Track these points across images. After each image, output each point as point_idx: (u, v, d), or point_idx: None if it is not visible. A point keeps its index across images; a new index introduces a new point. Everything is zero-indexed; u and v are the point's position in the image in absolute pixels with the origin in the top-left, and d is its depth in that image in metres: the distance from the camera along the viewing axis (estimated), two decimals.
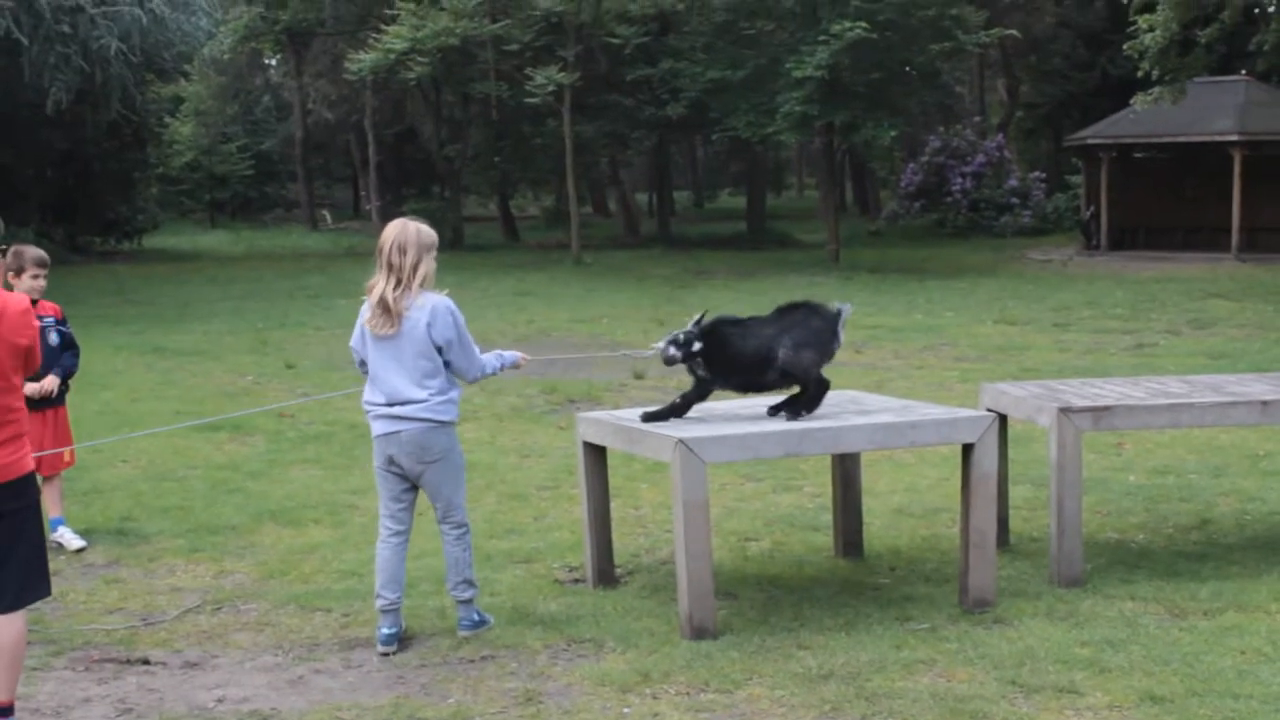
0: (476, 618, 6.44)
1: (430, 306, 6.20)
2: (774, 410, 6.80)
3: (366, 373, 6.43)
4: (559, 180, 44.46)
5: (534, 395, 13.65)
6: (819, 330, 6.77)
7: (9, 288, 8.08)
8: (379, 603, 6.36)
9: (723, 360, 6.71)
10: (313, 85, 49.61)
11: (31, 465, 5.31)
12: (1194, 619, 6.40)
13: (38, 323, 5.29)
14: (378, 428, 6.32)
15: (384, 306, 6.17)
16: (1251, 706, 5.29)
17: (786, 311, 6.87)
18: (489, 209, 52.75)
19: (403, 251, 6.18)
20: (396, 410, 6.23)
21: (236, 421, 11.93)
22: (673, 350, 6.72)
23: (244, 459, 10.69)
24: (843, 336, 6.86)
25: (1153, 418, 7.17)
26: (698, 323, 6.76)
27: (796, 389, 6.79)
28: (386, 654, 6.24)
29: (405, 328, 6.19)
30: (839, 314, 6.84)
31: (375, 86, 42.71)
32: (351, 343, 6.47)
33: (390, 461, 6.32)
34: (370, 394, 6.35)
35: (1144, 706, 5.33)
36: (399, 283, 6.17)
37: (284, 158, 56.45)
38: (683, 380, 7.21)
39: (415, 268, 6.18)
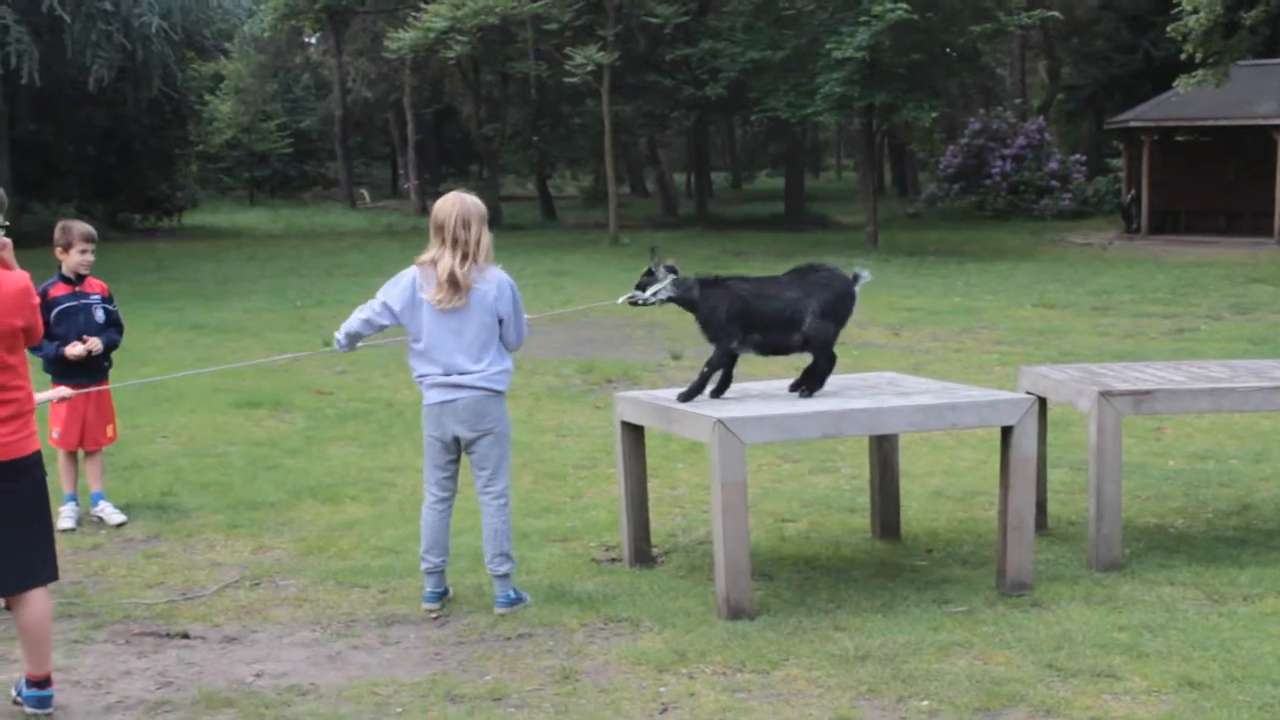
0: (513, 595, 6.46)
1: (496, 280, 6.27)
2: (793, 387, 6.81)
3: (371, 328, 6.38)
4: (597, 160, 44.46)
5: (571, 375, 13.67)
6: (842, 297, 6.74)
7: (57, 262, 8.17)
8: (424, 565, 6.51)
9: (743, 317, 6.64)
10: (352, 64, 49.76)
11: (35, 446, 5.13)
12: (1233, 604, 6.36)
13: (37, 300, 5.18)
14: (432, 396, 6.35)
15: (454, 282, 6.18)
16: None
17: (805, 273, 6.83)
18: (527, 188, 52.84)
19: (466, 226, 6.20)
20: (454, 379, 6.27)
21: (276, 398, 12.00)
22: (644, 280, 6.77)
23: (283, 436, 10.74)
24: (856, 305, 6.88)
25: (1194, 402, 7.12)
26: (670, 268, 6.76)
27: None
28: (431, 612, 6.39)
29: (473, 301, 6.23)
30: (856, 279, 6.82)
31: (415, 65, 42.83)
32: (389, 301, 6.31)
33: (443, 429, 6.36)
34: (424, 366, 6.36)
35: (1182, 692, 5.30)
36: (465, 257, 6.19)
37: (323, 136, 56.68)
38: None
39: (479, 242, 6.22)
